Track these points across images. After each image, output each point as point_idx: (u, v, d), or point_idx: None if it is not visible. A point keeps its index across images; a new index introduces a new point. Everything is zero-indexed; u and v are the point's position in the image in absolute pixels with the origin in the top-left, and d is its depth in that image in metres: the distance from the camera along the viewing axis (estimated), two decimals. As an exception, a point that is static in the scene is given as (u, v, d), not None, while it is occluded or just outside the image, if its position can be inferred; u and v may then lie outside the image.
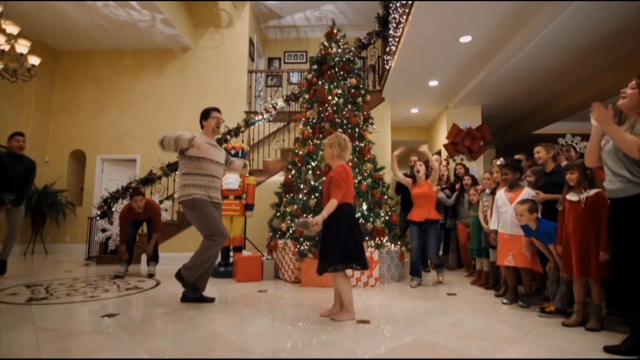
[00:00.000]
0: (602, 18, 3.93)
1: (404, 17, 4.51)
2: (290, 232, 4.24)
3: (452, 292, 3.70)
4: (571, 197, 2.60)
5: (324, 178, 4.15)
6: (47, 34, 7.11)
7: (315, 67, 5.10)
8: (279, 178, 5.66)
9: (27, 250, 6.85)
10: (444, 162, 6.19)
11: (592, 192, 2.48)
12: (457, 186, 5.05)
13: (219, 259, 4.59)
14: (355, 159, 4.46)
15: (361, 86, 4.95)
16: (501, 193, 3.37)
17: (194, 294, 3.10)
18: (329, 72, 4.87)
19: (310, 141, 4.66)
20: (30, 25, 6.64)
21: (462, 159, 6.46)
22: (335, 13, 8.31)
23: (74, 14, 6.42)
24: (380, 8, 6.71)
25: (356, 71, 5.02)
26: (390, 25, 5.66)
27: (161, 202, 6.13)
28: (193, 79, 7.57)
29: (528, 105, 7.05)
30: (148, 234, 4.83)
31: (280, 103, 6.49)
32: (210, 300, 3.15)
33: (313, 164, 4.44)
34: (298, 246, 4.06)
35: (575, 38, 4.36)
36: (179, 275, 3.05)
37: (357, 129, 4.65)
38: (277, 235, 4.46)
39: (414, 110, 7.55)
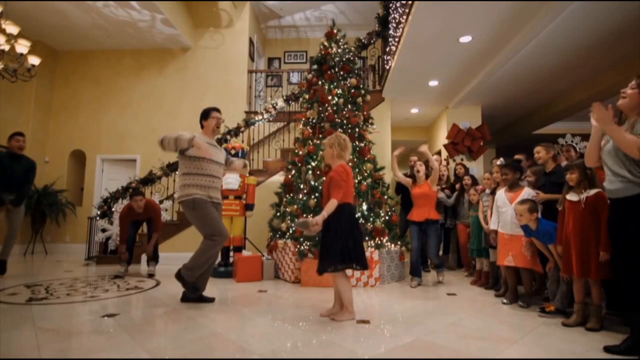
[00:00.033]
0: (602, 18, 3.93)
1: (404, 17, 4.51)
2: (290, 232, 4.24)
3: (452, 292, 3.70)
4: (571, 197, 2.60)
5: (324, 178, 4.15)
6: (47, 34, 7.11)
7: (315, 67, 5.10)
8: (279, 178, 5.66)
9: (27, 250, 6.85)
10: (444, 162, 6.19)
11: (592, 192, 2.48)
12: (457, 186, 5.05)
13: (219, 259, 4.59)
14: (355, 159, 4.46)
15: (361, 86, 4.95)
16: (501, 193, 3.37)
17: (194, 294, 3.10)
18: (329, 72, 4.87)
19: (310, 141, 4.66)
20: (30, 25, 6.64)
21: (462, 159, 6.46)
22: (335, 13, 8.31)
23: (74, 14, 6.42)
24: (380, 8, 6.71)
25: (356, 71, 5.02)
26: (390, 25, 5.67)
27: (161, 202, 6.13)
28: (193, 79, 7.57)
29: (528, 105, 7.05)
30: (148, 234, 4.83)
31: (280, 103, 6.49)
32: (210, 300, 3.15)
33: (313, 164, 4.44)
34: (298, 246, 4.06)
35: (575, 38, 4.36)
36: (179, 276, 3.05)
37: (357, 129, 4.65)
38: (277, 235, 4.46)
39: (414, 110, 7.55)
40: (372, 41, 6.50)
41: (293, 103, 6.58)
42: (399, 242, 4.42)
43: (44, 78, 7.36)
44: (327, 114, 4.65)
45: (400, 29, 4.78)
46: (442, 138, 7.16)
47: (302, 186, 4.43)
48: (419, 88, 6.20)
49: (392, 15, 5.42)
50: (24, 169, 4.27)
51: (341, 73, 4.88)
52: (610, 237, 2.23)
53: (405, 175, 4.61)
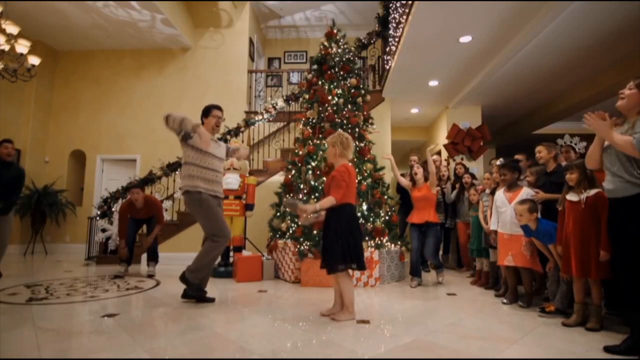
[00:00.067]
0: (602, 18, 3.93)
1: (404, 17, 4.51)
2: (290, 232, 4.24)
3: (452, 292, 3.70)
4: (571, 197, 2.60)
5: (324, 178, 4.16)
6: (47, 34, 7.11)
7: (315, 67, 5.10)
8: (279, 178, 5.66)
9: (27, 250, 6.85)
10: (444, 162, 6.19)
11: (592, 192, 2.49)
12: (457, 186, 5.06)
13: (219, 259, 4.59)
14: (355, 159, 4.46)
15: (361, 86, 4.94)
16: (500, 193, 3.37)
17: (199, 294, 3.11)
18: (329, 72, 4.87)
19: (310, 141, 4.66)
20: (30, 25, 6.64)
21: (462, 159, 6.46)
22: (335, 13, 8.31)
23: (74, 14, 6.42)
24: (380, 8, 6.71)
25: (356, 71, 5.02)
26: (390, 25, 5.67)
27: (161, 202, 6.12)
28: (193, 79, 7.57)
29: (528, 105, 7.05)
30: (147, 232, 4.81)
31: (280, 103, 6.49)
32: (211, 300, 3.16)
33: (313, 164, 4.44)
34: (298, 246, 4.06)
35: (575, 38, 4.36)
36: (183, 278, 3.07)
37: (357, 129, 4.65)
38: (277, 235, 4.46)
39: (414, 110, 7.55)
40: (372, 41, 6.50)
41: (293, 103, 6.58)
42: (399, 242, 4.42)
43: (44, 78, 7.37)
44: (327, 114, 4.65)
45: (400, 29, 4.78)
46: (442, 138, 7.16)
47: (302, 186, 4.44)
48: (419, 88, 6.20)
49: (392, 15, 5.42)
50: (12, 177, 4.12)
51: (341, 73, 4.88)
52: (610, 237, 2.23)
53: (402, 175, 4.61)
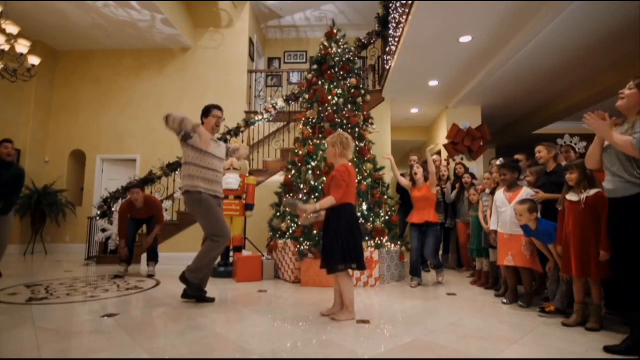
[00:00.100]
0: (602, 18, 3.93)
1: (404, 17, 4.51)
2: (290, 232, 4.24)
3: (452, 292, 3.70)
4: (571, 197, 2.60)
5: (324, 178, 4.16)
6: (47, 34, 7.11)
7: (315, 67, 5.10)
8: (279, 178, 5.66)
9: (27, 250, 6.85)
10: (444, 162, 6.19)
11: (592, 192, 2.48)
12: (457, 186, 5.06)
13: (219, 259, 4.58)
14: (355, 159, 4.46)
15: (361, 86, 4.94)
16: (500, 193, 3.37)
17: (199, 293, 3.11)
18: (329, 72, 4.87)
19: (310, 141, 4.66)
20: (30, 25, 6.64)
21: (462, 159, 6.46)
22: (335, 13, 8.31)
23: (74, 14, 6.42)
24: (380, 8, 6.71)
25: (356, 71, 5.02)
26: (390, 25, 5.66)
27: (161, 202, 6.12)
28: (193, 79, 7.57)
29: (528, 105, 7.05)
30: (147, 232, 4.81)
31: (280, 103, 6.49)
32: (211, 300, 3.16)
33: (313, 164, 4.44)
34: (298, 246, 4.06)
35: (575, 38, 4.36)
36: (183, 278, 3.07)
37: (357, 129, 4.65)
38: (277, 235, 4.46)
39: (414, 110, 7.55)
40: (372, 41, 6.50)
41: (293, 103, 6.58)
42: (399, 242, 4.42)
43: (44, 78, 7.36)
44: (327, 114, 4.65)
45: (400, 29, 4.78)
46: (442, 138, 7.16)
47: (302, 186, 4.44)
48: (419, 88, 6.20)
49: (392, 15, 5.42)
50: (12, 177, 4.11)
51: (341, 73, 4.88)
52: (610, 237, 2.23)
53: (402, 175, 4.61)
